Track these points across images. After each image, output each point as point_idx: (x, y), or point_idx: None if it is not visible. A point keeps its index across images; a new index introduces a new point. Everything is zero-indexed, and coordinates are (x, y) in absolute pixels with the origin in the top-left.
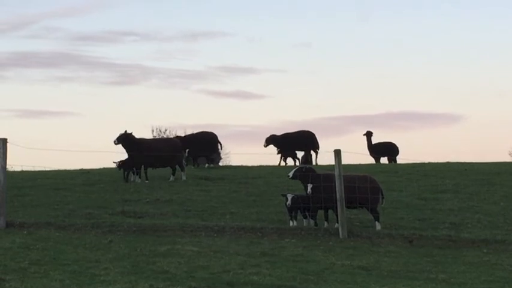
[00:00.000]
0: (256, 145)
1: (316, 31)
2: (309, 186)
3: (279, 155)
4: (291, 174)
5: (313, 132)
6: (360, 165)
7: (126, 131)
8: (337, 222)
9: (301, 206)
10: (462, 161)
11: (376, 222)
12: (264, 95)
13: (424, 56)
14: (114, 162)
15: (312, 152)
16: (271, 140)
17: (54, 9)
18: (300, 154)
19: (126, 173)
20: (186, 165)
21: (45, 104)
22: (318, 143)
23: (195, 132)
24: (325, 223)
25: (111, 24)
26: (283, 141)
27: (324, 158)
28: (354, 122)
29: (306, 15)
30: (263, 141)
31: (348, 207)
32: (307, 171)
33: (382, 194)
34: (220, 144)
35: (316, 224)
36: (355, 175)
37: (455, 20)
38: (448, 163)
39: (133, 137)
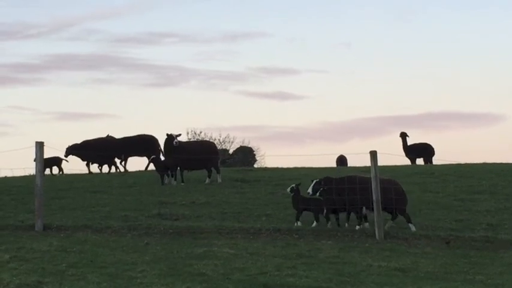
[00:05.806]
0: (295, 146)
1: (356, 31)
2: (310, 186)
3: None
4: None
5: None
6: (395, 166)
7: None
8: (360, 225)
9: (311, 208)
10: (499, 161)
11: (409, 224)
12: (304, 96)
13: (465, 55)
14: None
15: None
16: (72, 148)
17: (94, 12)
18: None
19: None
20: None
21: (84, 106)
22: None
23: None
24: (366, 224)
25: (150, 25)
26: (82, 149)
27: (360, 159)
28: (393, 122)
29: (345, 15)
30: (302, 143)
31: (372, 209)
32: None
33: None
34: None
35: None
36: (380, 178)
37: (496, 19)
38: (484, 164)
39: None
